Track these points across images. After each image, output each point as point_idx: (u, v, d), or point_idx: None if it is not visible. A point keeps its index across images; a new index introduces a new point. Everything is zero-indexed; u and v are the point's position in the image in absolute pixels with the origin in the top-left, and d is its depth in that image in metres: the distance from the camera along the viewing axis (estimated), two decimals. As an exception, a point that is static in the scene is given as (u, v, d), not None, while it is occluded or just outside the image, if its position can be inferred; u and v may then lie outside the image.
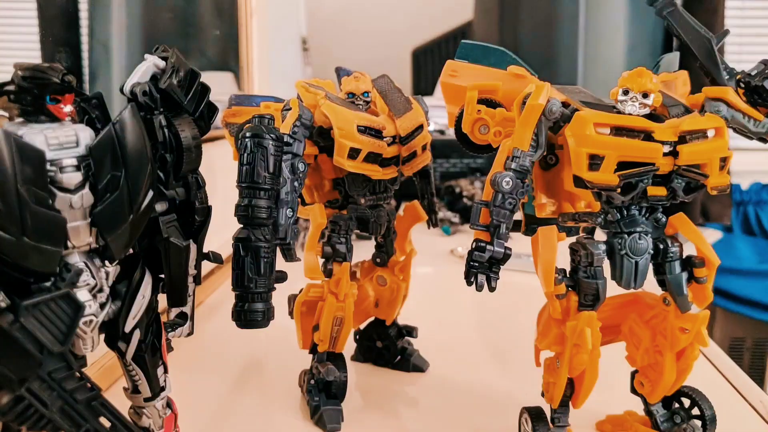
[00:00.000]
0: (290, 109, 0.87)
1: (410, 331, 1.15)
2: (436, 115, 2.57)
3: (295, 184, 0.84)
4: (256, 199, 0.78)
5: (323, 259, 0.96)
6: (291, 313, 0.99)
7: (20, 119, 0.61)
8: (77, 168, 0.61)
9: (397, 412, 1.01)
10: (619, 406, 0.95)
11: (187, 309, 0.77)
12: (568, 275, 0.82)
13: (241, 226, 0.79)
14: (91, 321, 0.63)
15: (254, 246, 0.78)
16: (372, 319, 1.13)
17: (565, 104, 0.77)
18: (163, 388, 0.76)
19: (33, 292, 0.58)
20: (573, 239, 0.85)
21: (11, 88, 0.60)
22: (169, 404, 0.78)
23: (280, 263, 0.81)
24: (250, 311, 0.78)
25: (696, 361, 0.82)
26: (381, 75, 1.00)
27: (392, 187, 1.00)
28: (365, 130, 0.90)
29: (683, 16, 0.82)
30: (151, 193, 0.66)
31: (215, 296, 1.52)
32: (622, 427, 0.92)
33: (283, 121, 0.86)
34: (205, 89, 0.76)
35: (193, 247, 0.75)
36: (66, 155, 0.60)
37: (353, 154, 0.90)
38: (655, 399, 0.86)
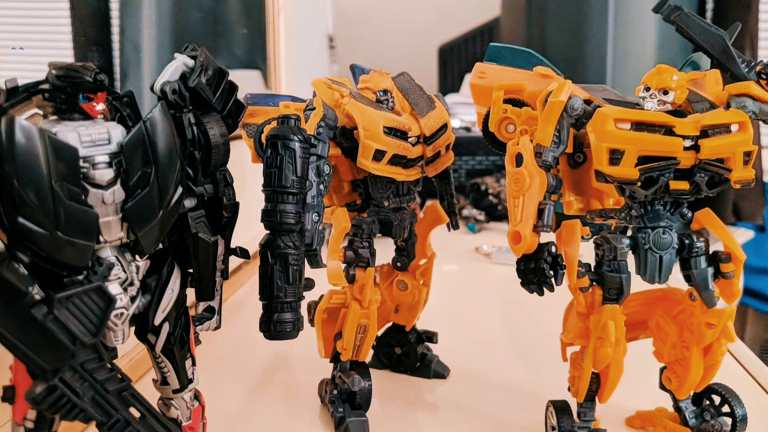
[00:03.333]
0: (314, 108, 0.84)
1: (430, 336, 1.11)
2: (462, 112, 2.56)
3: (321, 187, 0.81)
4: (283, 204, 0.76)
5: (345, 265, 0.93)
6: (311, 321, 0.95)
7: (54, 117, 0.63)
8: (109, 164, 0.62)
9: (419, 420, 0.98)
10: (650, 401, 0.94)
11: (214, 303, 0.79)
12: (592, 269, 0.82)
13: (268, 232, 0.77)
14: (121, 314, 0.65)
15: (283, 253, 0.76)
16: (390, 324, 1.10)
17: (588, 102, 0.79)
18: (191, 381, 0.77)
19: (66, 285, 0.60)
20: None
21: (46, 86, 0.62)
22: (197, 396, 0.80)
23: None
24: (279, 322, 0.76)
25: (723, 357, 0.82)
26: (401, 72, 0.97)
27: (415, 189, 0.97)
28: (391, 131, 0.87)
29: (691, 18, 0.82)
30: (180, 190, 0.67)
31: (239, 294, 1.53)
32: (651, 422, 0.92)
33: (306, 122, 0.83)
34: (233, 87, 0.77)
35: (221, 243, 0.77)
36: (98, 152, 0.62)
37: (378, 156, 0.87)
38: (682, 395, 0.86)
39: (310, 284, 0.80)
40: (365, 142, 0.85)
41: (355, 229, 0.92)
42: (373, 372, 1.08)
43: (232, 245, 0.80)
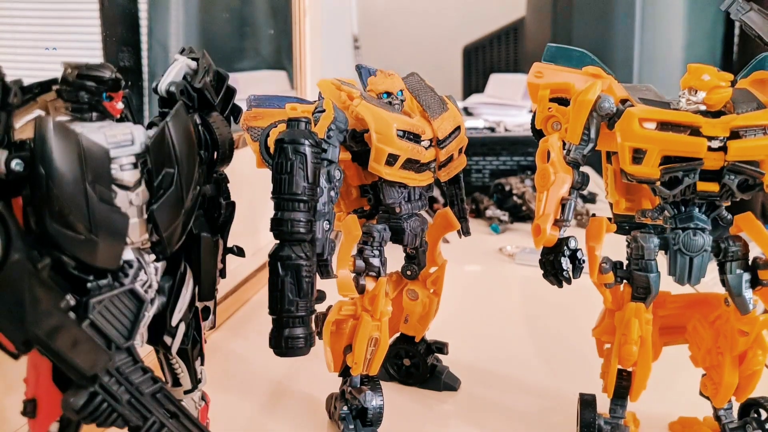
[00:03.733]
0: (323, 111, 0.80)
1: (440, 347, 1.06)
2: (486, 113, 2.55)
3: (332, 193, 0.78)
4: (294, 212, 0.72)
5: (355, 274, 0.88)
6: (320, 334, 0.90)
7: (66, 118, 0.62)
8: (135, 165, 0.62)
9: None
10: (697, 408, 0.92)
11: (210, 303, 0.79)
12: (624, 267, 0.83)
13: (278, 242, 0.73)
14: (144, 316, 0.65)
15: (294, 264, 0.71)
16: (398, 335, 1.05)
17: (624, 101, 0.78)
18: (200, 380, 0.78)
19: (90, 290, 0.59)
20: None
21: (64, 86, 0.61)
22: (202, 396, 0.80)
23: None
24: (291, 338, 0.72)
25: (762, 368, 0.80)
26: (411, 73, 0.94)
27: (427, 194, 0.93)
28: (404, 134, 0.84)
29: (761, 16, 0.80)
30: (198, 189, 0.67)
31: (246, 308, 1.48)
32: (691, 429, 0.91)
33: (315, 125, 0.79)
34: (232, 91, 0.77)
35: (220, 242, 0.77)
36: (124, 153, 0.62)
37: (391, 160, 0.84)
38: (719, 403, 0.84)
39: (321, 297, 0.76)
40: (378, 146, 0.82)
41: (365, 237, 0.88)
42: (383, 385, 1.04)
43: (229, 244, 0.79)
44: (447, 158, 0.91)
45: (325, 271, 0.79)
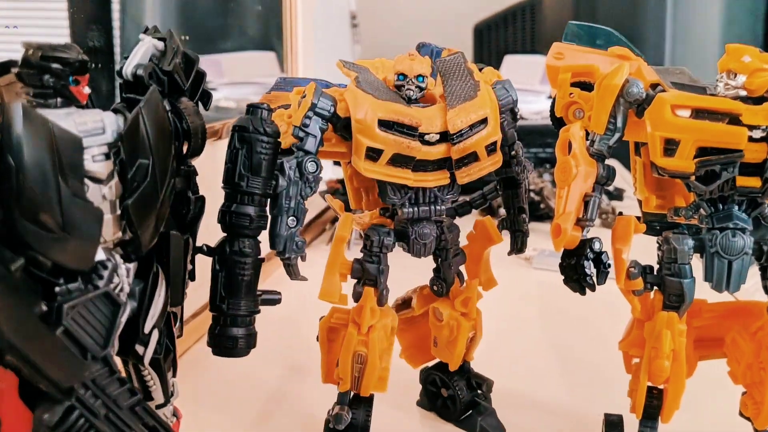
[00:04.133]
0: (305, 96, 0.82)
1: (480, 383, 1.02)
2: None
3: (301, 187, 0.79)
4: (238, 204, 0.77)
5: (355, 280, 0.88)
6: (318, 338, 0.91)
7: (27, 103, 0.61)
8: (107, 156, 0.62)
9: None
10: (736, 430, 0.91)
11: (177, 309, 0.79)
12: (655, 272, 0.83)
13: (224, 235, 0.77)
14: (120, 322, 0.65)
15: (229, 260, 0.76)
16: (437, 360, 1.03)
17: (655, 86, 0.78)
18: (172, 394, 0.78)
19: (59, 294, 0.58)
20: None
21: (25, 69, 0.60)
22: (174, 411, 0.80)
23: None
24: (223, 336, 0.77)
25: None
26: (455, 52, 0.92)
27: (445, 198, 0.89)
28: (392, 125, 0.82)
29: None
30: (173, 182, 0.67)
31: None
32: None
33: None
34: (202, 75, 0.78)
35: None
36: (95, 142, 0.62)
37: (373, 155, 0.82)
38: (761, 424, 0.83)
39: (272, 299, 0.79)
40: (357, 137, 0.82)
41: (365, 240, 0.89)
42: (418, 411, 1.05)
43: (198, 242, 0.79)
44: (465, 157, 0.86)
45: (292, 272, 0.82)
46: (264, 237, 0.80)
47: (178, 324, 0.79)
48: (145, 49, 0.72)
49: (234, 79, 1.93)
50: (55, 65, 0.60)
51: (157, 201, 0.66)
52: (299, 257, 0.82)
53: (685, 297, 0.80)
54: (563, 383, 1.16)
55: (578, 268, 0.80)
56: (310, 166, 0.80)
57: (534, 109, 2.51)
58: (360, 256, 0.88)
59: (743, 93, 0.76)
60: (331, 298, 0.85)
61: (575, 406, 1.08)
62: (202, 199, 0.78)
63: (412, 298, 1.00)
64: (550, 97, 0.95)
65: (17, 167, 0.53)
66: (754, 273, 0.81)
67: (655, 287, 0.83)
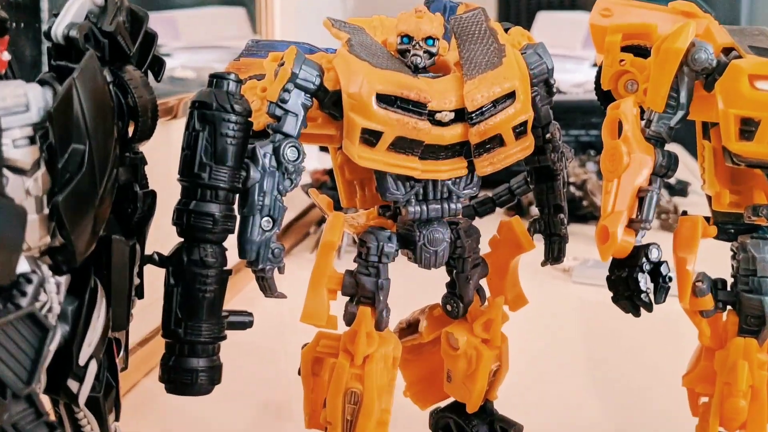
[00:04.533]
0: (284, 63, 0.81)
1: (507, 429, 1.00)
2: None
3: (278, 179, 0.79)
4: (198, 201, 0.76)
5: (347, 298, 0.88)
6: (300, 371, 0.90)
7: None
8: (31, 140, 0.62)
9: None
10: None
11: (121, 335, 0.79)
12: (728, 287, 0.83)
13: (182, 240, 0.77)
14: (47, 351, 0.65)
15: (187, 272, 0.76)
16: (451, 399, 1.02)
17: (728, 51, 0.79)
18: None
19: None
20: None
21: None
22: None
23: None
24: (179, 369, 0.76)
25: None
26: (474, 8, 0.91)
27: (461, 193, 0.89)
28: (394, 101, 0.81)
29: None
30: (115, 173, 0.67)
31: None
32: None
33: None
34: (152, 37, 0.77)
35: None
36: (17, 123, 0.61)
37: (370, 138, 0.82)
38: None
39: (241, 322, 0.79)
40: (349, 115, 0.81)
41: (359, 247, 0.88)
42: None
43: (148, 250, 0.80)
44: (487, 140, 0.85)
45: (266, 287, 0.81)
46: (231, 243, 0.80)
47: (122, 353, 0.79)
48: (79, 4, 0.72)
49: (193, 43, 1.93)
50: None
51: (95, 197, 0.66)
52: (276, 268, 0.82)
53: (767, 319, 0.80)
54: (614, 426, 1.16)
55: (631, 283, 0.80)
56: (290, 153, 0.80)
57: (574, 80, 2.52)
58: (353, 267, 0.88)
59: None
60: (317, 321, 0.84)
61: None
62: (153, 194, 0.78)
63: (419, 320, 0.99)
64: (594, 64, 0.95)
65: None
66: None
67: (729, 307, 0.83)
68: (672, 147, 0.83)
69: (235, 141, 0.77)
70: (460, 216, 0.91)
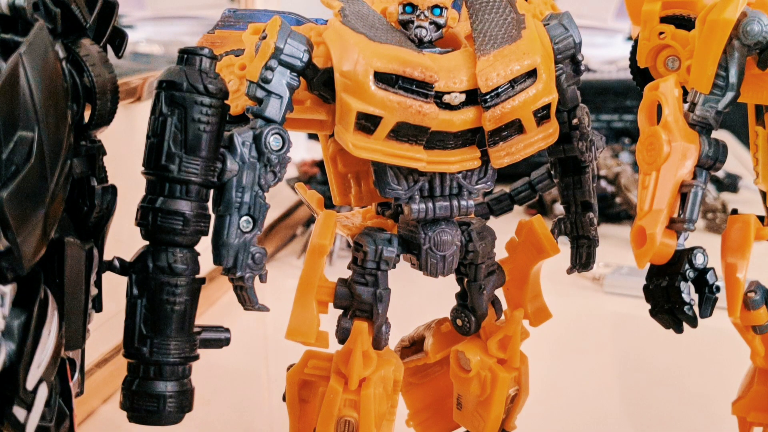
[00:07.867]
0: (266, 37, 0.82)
1: None
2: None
3: (259, 172, 0.80)
4: (166, 198, 0.76)
5: (341, 311, 0.89)
6: (284, 397, 0.91)
7: None
8: (-29, 127, 0.63)
9: None
10: None
11: (76, 355, 0.79)
12: None
13: (147, 243, 0.77)
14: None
15: (153, 280, 0.76)
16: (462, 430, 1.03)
17: None
18: None
19: None
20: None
21: None
22: None
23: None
24: (142, 394, 0.77)
25: None
26: None
27: (474, 189, 0.89)
28: (395, 80, 0.82)
29: None
30: (69, 165, 0.67)
31: None
32: None
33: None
34: (111, 6, 0.78)
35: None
36: (-46, 106, 0.62)
37: (366, 124, 0.82)
38: None
39: (216, 339, 0.79)
40: (342, 98, 0.81)
41: (354, 251, 0.89)
42: None
43: (107, 255, 0.80)
44: (504, 127, 0.85)
45: (245, 298, 0.81)
46: (205, 246, 0.80)
47: (77, 376, 0.79)
48: None
49: (160, 13, 1.93)
50: None
51: (46, 193, 0.66)
52: (257, 276, 0.82)
53: (833, 336, 0.81)
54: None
55: (672, 293, 0.80)
56: (273, 142, 0.80)
57: (606, 56, 2.52)
58: (347, 275, 0.89)
59: None
60: (305, 338, 0.85)
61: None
62: (113, 190, 0.78)
63: (425, 337, 0.99)
64: (629, 38, 0.95)
65: None
66: None
67: None
68: (720, 134, 0.84)
69: (209, 127, 0.76)
70: (472, 215, 0.91)
